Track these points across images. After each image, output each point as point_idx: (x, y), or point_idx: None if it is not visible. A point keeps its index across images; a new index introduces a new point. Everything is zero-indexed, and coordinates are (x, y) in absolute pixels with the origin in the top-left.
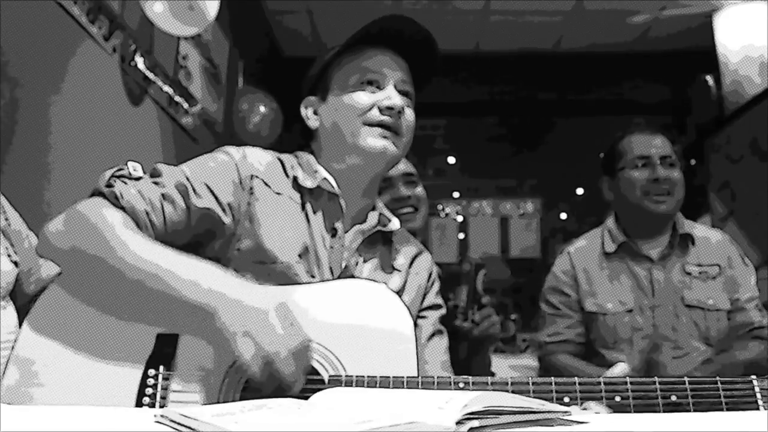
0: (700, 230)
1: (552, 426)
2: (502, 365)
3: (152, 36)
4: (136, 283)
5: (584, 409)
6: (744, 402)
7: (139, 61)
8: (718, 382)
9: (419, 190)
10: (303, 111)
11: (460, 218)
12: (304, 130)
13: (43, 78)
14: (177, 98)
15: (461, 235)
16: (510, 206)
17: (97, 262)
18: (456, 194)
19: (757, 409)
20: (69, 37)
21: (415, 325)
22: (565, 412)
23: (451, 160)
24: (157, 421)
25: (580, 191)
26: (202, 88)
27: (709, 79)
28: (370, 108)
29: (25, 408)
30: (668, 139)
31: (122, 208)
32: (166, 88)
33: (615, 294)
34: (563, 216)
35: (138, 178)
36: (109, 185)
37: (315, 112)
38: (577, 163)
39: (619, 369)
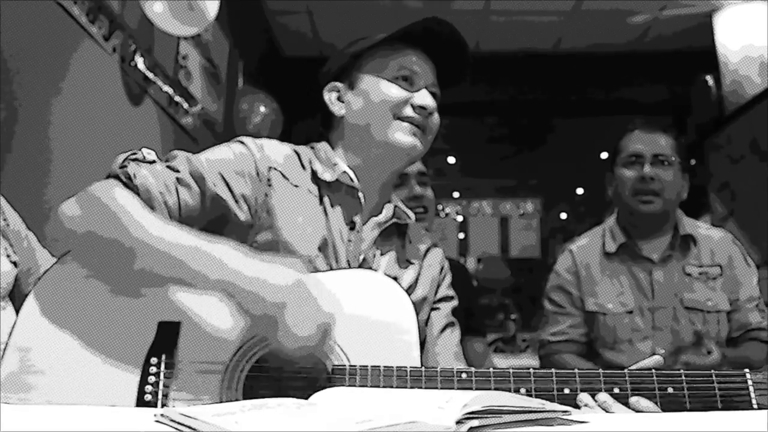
0: (703, 229)
1: (552, 426)
2: (502, 365)
3: (152, 36)
4: (153, 263)
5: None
6: (738, 395)
7: (139, 61)
8: (713, 376)
9: (429, 191)
10: (326, 96)
11: (460, 218)
12: (324, 118)
13: (43, 78)
14: (177, 98)
15: (461, 235)
16: (510, 206)
17: (113, 246)
18: (456, 194)
19: (750, 401)
20: (69, 37)
21: (429, 317)
22: (565, 411)
23: (451, 160)
24: (158, 421)
25: (580, 191)
26: (202, 88)
27: (709, 79)
28: (403, 103)
29: (25, 408)
30: (671, 137)
31: (136, 189)
32: (166, 88)
33: (615, 294)
34: (563, 216)
35: (152, 162)
36: (123, 167)
37: (339, 99)
38: (577, 163)
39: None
